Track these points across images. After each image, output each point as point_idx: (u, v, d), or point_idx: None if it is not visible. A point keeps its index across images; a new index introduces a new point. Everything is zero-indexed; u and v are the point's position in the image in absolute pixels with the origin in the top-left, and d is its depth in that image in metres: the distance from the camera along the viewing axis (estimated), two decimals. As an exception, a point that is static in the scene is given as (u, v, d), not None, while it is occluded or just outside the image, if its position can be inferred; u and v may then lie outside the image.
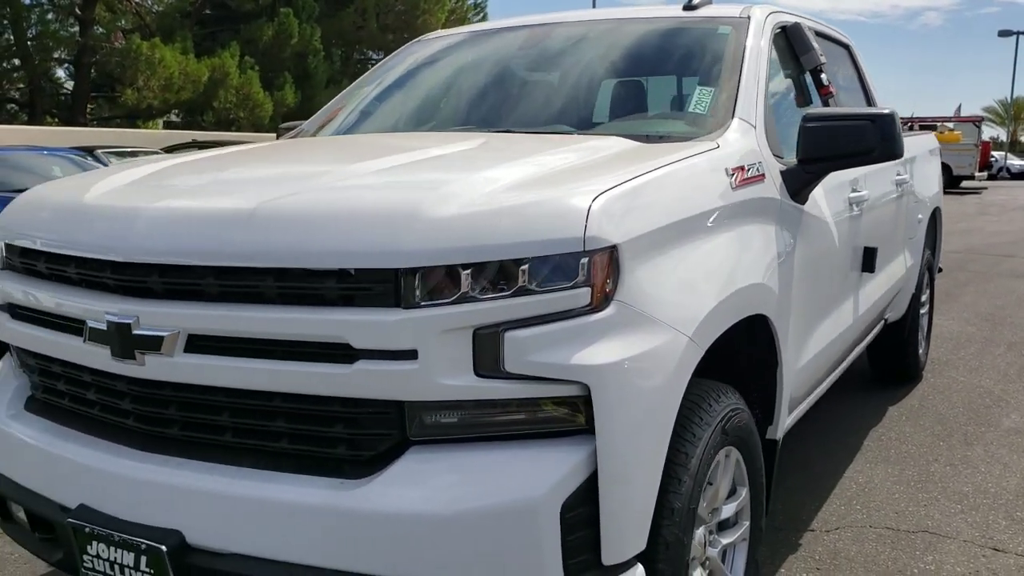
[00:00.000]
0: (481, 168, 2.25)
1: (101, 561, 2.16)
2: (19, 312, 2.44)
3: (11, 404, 2.53)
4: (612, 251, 1.95)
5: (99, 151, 15.80)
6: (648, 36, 3.55)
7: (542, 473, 1.88)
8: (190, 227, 2.05)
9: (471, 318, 1.87)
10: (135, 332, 2.06)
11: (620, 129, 3.03)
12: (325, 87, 32.99)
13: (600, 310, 1.93)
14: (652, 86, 3.53)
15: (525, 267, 1.88)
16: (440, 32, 4.27)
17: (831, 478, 4.14)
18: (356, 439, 1.99)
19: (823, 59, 3.65)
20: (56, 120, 29.94)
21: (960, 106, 38.46)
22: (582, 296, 1.91)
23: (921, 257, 5.39)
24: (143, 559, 2.08)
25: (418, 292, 1.87)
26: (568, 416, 1.94)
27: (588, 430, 1.93)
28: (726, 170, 2.57)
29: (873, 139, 2.85)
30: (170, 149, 19.48)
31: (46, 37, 27.56)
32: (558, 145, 2.60)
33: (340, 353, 1.91)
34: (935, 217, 5.90)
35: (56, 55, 29.09)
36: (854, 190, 3.70)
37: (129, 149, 18.14)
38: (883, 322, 4.82)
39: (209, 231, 2.03)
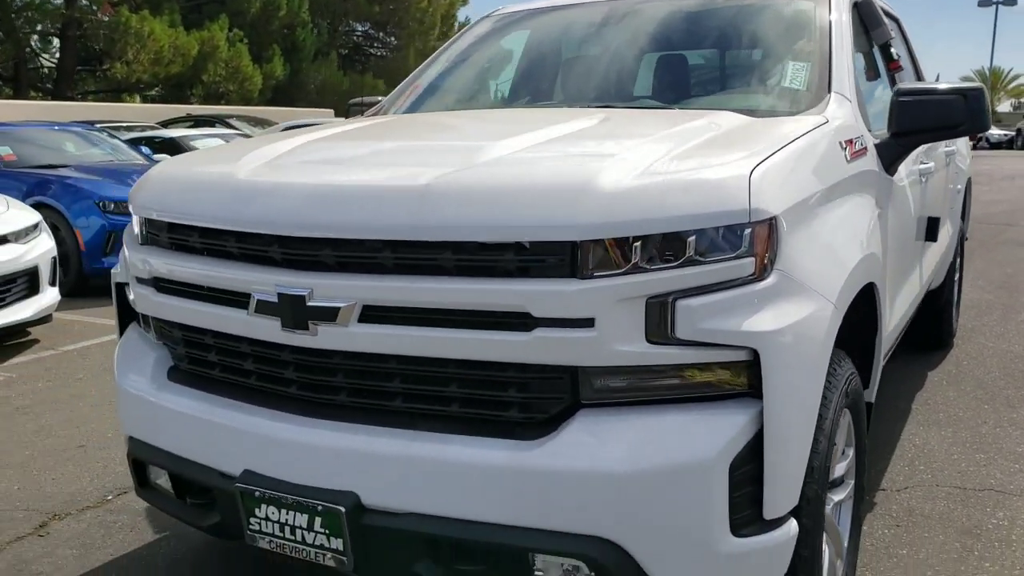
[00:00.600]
0: (630, 143, 2.34)
1: (270, 523, 2.25)
2: (166, 286, 2.51)
3: (154, 376, 2.60)
4: (772, 221, 2.05)
5: (98, 125, 15.68)
6: (729, 11, 3.64)
7: (713, 434, 1.99)
8: (363, 202, 2.13)
9: (644, 288, 1.97)
10: (309, 304, 2.15)
11: (719, 103, 3.13)
12: (313, 59, 32.81)
13: (763, 279, 2.04)
14: (735, 61, 3.61)
15: (693, 238, 1.98)
16: (515, 7, 4.31)
17: (888, 440, 4.29)
18: (529, 403, 2.08)
19: (892, 34, 3.76)
20: (40, 95, 29.58)
21: (938, 76, 38.72)
22: (747, 266, 2.01)
23: (957, 226, 5.55)
24: (318, 520, 2.18)
25: (593, 263, 1.97)
26: (730, 380, 2.04)
27: (749, 393, 2.04)
28: (840, 143, 2.68)
29: (963, 114, 2.97)
30: (166, 123, 19.37)
31: (31, 9, 27.15)
32: (681, 120, 2.68)
33: (518, 321, 2.00)
34: (968, 187, 6.05)
35: (40, 28, 28.70)
36: (922, 162, 3.82)
37: (125, 124, 17.99)
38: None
39: (384, 206, 2.10)
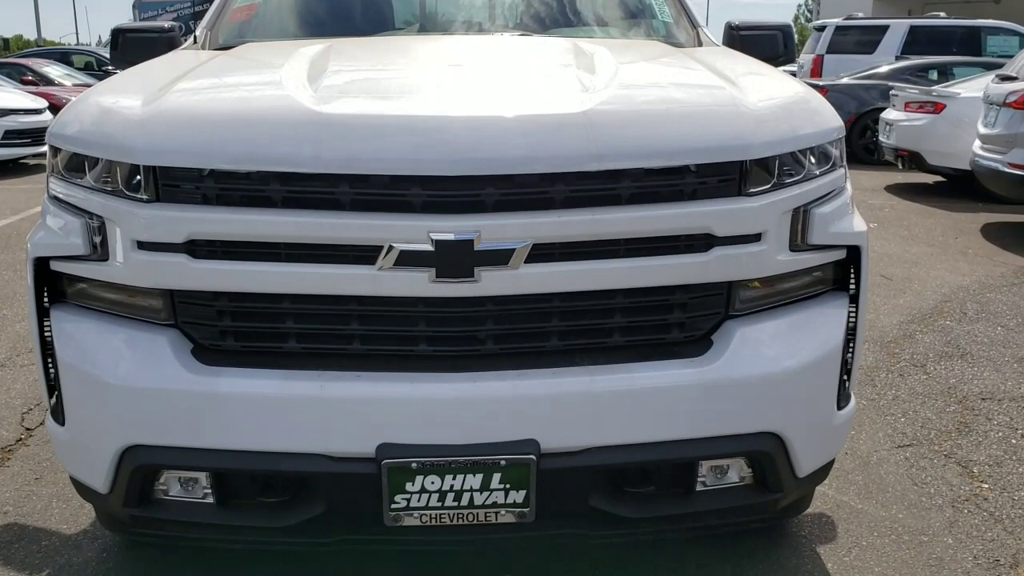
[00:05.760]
0: (700, 68, 2.49)
1: (426, 495, 2.03)
2: (211, 250, 2.03)
3: (178, 362, 2.07)
4: (843, 137, 2.37)
5: None
6: None
7: (835, 325, 2.28)
8: (531, 134, 1.98)
9: (795, 200, 2.17)
10: (477, 248, 1.95)
11: (622, 34, 3.36)
12: None
13: (846, 187, 2.36)
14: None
15: (810, 154, 2.23)
16: None
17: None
18: (688, 322, 2.16)
19: None
20: None
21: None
22: (841, 176, 2.33)
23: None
24: (496, 476, 2.02)
25: (754, 182, 2.11)
26: (824, 278, 2.33)
27: (835, 288, 2.35)
28: None
29: (781, 46, 3.55)
30: None
31: None
32: (664, 51, 2.85)
33: (697, 243, 2.07)
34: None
35: None
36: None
37: None
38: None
39: (555, 137, 1.98)
